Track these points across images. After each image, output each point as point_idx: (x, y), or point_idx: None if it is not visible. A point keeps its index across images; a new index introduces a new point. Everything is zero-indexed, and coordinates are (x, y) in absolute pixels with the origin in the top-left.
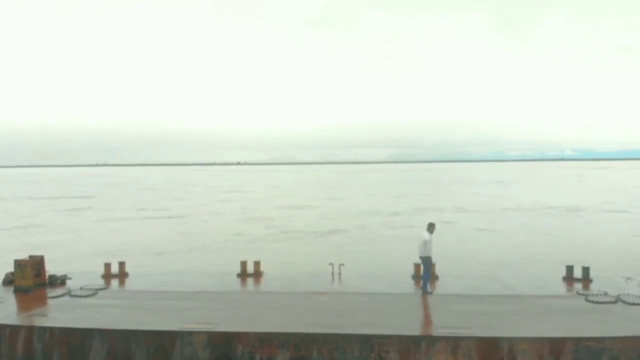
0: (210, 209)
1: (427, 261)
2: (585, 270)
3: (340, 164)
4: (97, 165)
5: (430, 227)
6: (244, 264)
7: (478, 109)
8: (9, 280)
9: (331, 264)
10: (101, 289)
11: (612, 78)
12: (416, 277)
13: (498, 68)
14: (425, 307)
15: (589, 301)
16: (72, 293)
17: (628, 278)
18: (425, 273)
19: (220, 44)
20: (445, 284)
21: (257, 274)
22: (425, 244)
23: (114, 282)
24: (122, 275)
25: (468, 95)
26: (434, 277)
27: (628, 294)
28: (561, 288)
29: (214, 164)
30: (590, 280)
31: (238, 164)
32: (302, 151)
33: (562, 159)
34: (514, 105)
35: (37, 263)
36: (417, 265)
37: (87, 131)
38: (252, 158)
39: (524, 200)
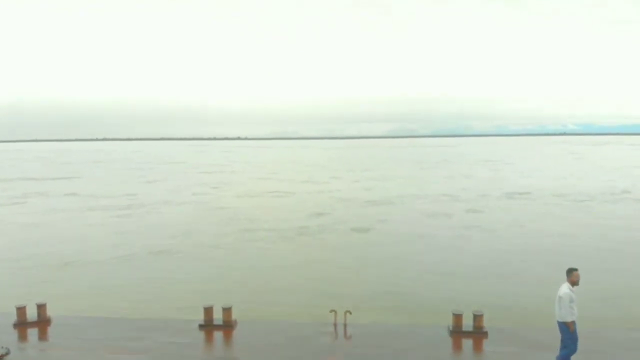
0: (177, 197)
1: (563, 328)
2: None
3: (340, 139)
4: (96, 139)
5: (570, 275)
6: (208, 311)
7: (479, 82)
8: None
9: (333, 311)
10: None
11: (616, 52)
12: (453, 331)
13: (499, 40)
14: None
15: None
16: None
17: None
18: (566, 346)
19: (221, 22)
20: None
21: (228, 326)
22: (561, 302)
23: (31, 335)
24: (43, 322)
25: (470, 69)
26: (482, 335)
27: None
28: None
29: (214, 138)
30: None
31: (238, 138)
32: (304, 125)
33: (564, 134)
34: (516, 79)
35: None
36: (456, 316)
37: (89, 105)
38: (253, 133)
39: (522, 185)
